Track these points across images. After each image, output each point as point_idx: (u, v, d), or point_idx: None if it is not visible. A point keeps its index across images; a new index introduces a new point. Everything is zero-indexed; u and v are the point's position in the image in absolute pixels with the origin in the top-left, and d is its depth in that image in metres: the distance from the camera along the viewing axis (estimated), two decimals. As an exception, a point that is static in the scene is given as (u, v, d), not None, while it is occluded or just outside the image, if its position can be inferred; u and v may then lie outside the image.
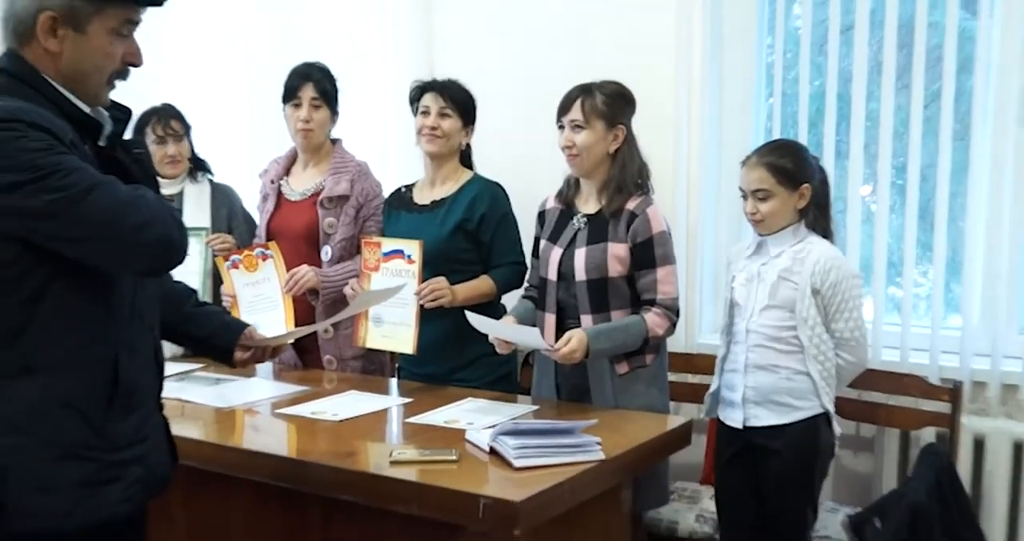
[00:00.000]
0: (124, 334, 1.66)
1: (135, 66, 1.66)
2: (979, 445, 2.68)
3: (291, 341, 2.71)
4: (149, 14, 1.67)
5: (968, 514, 2.43)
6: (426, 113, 2.77)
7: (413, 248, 2.65)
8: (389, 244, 2.72)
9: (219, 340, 2.02)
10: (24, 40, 1.57)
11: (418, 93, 2.82)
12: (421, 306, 2.64)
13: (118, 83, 1.66)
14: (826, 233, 2.46)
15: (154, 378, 1.76)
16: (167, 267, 1.69)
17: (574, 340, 2.36)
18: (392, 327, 2.71)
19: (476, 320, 2.46)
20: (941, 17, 2.77)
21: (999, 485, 2.65)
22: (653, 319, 2.46)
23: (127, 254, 1.58)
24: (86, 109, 1.64)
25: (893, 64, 2.81)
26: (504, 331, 2.49)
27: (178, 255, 1.65)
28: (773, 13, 3.02)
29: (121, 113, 1.71)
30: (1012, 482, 2.64)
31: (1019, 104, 2.68)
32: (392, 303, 2.65)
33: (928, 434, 2.72)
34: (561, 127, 2.53)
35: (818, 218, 2.45)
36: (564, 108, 2.53)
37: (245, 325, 2.07)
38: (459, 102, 2.78)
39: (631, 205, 2.50)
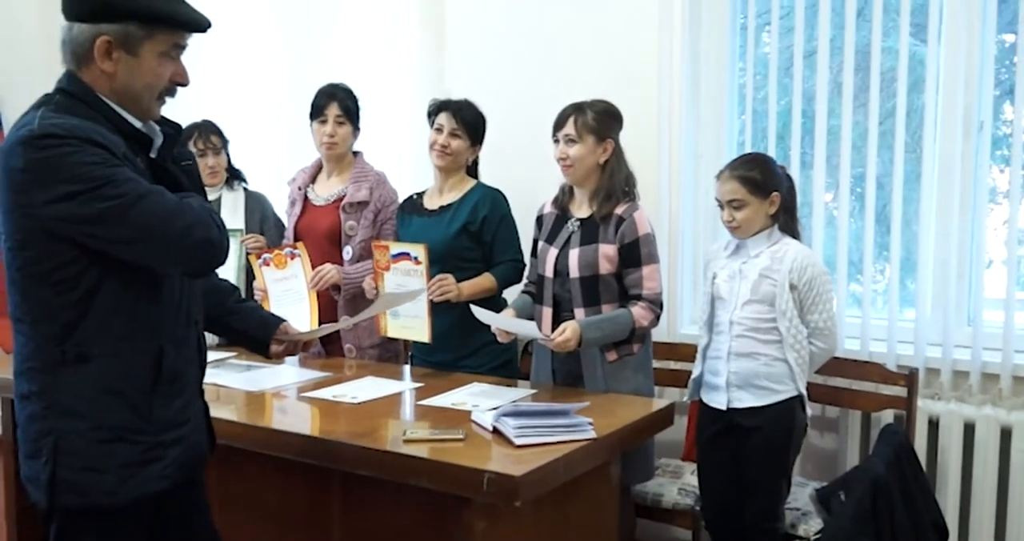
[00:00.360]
0: (170, 328, 1.63)
1: (182, 85, 1.64)
2: (933, 425, 2.62)
3: (319, 336, 2.69)
4: (194, 40, 1.64)
5: (924, 487, 2.37)
6: (439, 131, 2.74)
7: (419, 251, 2.62)
8: (396, 247, 2.69)
9: (257, 334, 1.99)
10: (82, 62, 1.55)
11: (436, 109, 2.78)
12: (431, 300, 2.59)
13: (168, 100, 1.65)
14: (794, 234, 2.43)
15: (196, 367, 1.73)
16: (210, 268, 1.65)
17: (568, 330, 2.34)
18: (408, 319, 2.67)
19: (480, 313, 2.43)
20: (894, 43, 2.73)
21: (952, 461, 2.58)
22: (639, 312, 2.42)
23: (173, 256, 1.55)
24: (137, 124, 1.60)
25: (851, 85, 2.76)
26: (504, 322, 2.47)
27: (219, 257, 1.61)
28: (744, 40, 2.99)
29: (171, 128, 1.68)
30: (963, 458, 2.58)
31: (963, 120, 2.64)
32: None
33: (887, 416, 2.66)
34: (556, 141, 2.51)
35: (788, 221, 2.42)
36: (559, 124, 2.50)
37: (281, 320, 2.03)
38: (470, 124, 2.74)
39: (619, 210, 2.47)
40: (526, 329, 2.44)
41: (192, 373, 1.70)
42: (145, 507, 1.60)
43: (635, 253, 2.45)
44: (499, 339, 2.50)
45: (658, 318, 2.48)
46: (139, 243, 1.50)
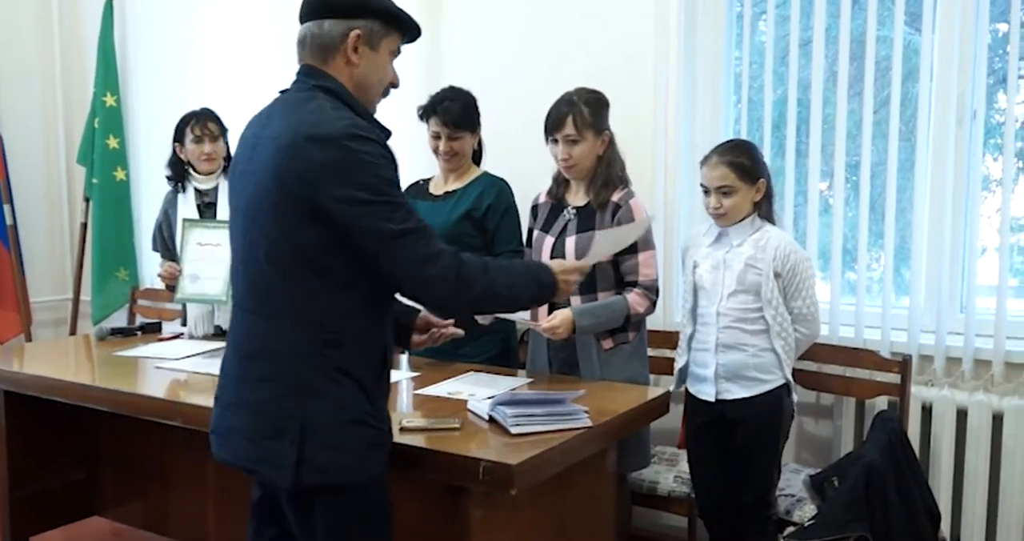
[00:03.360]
0: (388, 324, 1.74)
1: (395, 87, 1.77)
2: (926, 412, 2.63)
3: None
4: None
5: (917, 473, 2.39)
6: (437, 137, 2.73)
7: None
8: None
9: (401, 319, 2.06)
10: (328, 56, 1.66)
11: (424, 115, 2.76)
12: None
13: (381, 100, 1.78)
14: (771, 219, 2.42)
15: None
16: (445, 303, 1.82)
17: (558, 318, 2.34)
18: None
19: None
20: (889, 32, 2.73)
21: (945, 447, 2.60)
22: (634, 299, 2.43)
23: (412, 294, 1.73)
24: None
25: (846, 74, 2.76)
26: None
27: (450, 303, 1.77)
28: (741, 29, 2.99)
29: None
30: (956, 445, 2.60)
31: (958, 108, 2.64)
32: None
33: (881, 402, 2.66)
34: (554, 142, 2.48)
35: (767, 208, 2.42)
36: (556, 125, 2.46)
37: (418, 311, 2.13)
38: (464, 122, 2.72)
39: (615, 197, 2.47)
40: (518, 315, 2.43)
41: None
42: (372, 492, 1.68)
43: None
44: (480, 322, 2.48)
45: (654, 305, 2.48)
46: (392, 272, 1.62)
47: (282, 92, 1.74)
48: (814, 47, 2.80)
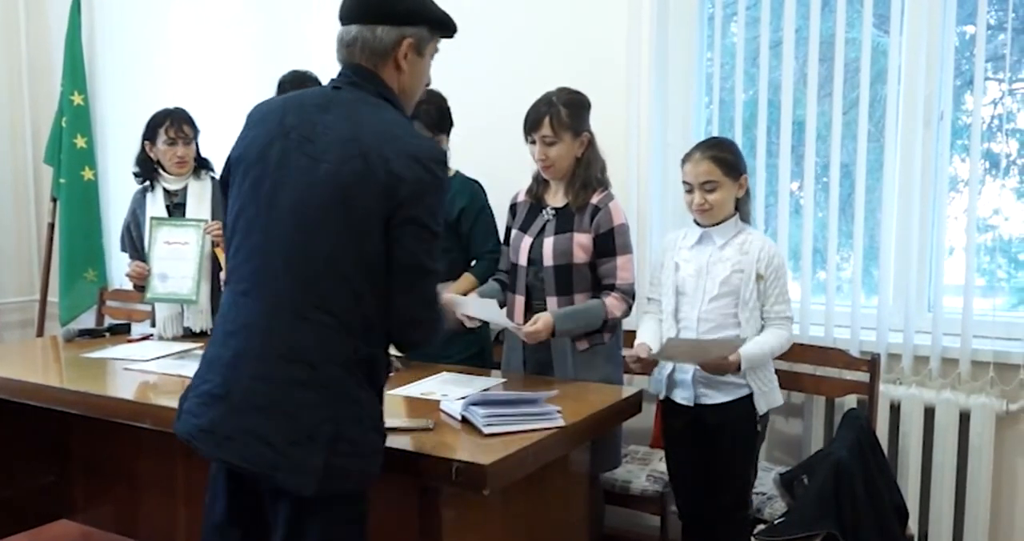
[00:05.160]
0: None
1: (427, 85, 1.80)
2: (895, 410, 2.66)
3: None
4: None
5: (886, 470, 2.41)
6: None
7: None
8: None
9: None
10: (380, 61, 1.68)
11: None
12: None
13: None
14: (748, 220, 2.43)
15: None
16: (410, 345, 1.83)
17: (540, 322, 2.34)
18: None
19: (448, 298, 2.38)
20: (858, 34, 2.75)
21: (913, 445, 2.63)
22: (612, 302, 2.42)
23: (399, 328, 1.66)
24: None
25: (816, 75, 2.79)
26: (476, 309, 2.40)
27: (420, 345, 1.77)
28: (712, 30, 3.01)
29: None
30: (924, 442, 2.63)
31: (925, 110, 2.67)
32: None
33: (850, 400, 2.69)
34: (532, 142, 2.47)
35: (746, 208, 2.42)
36: (534, 126, 2.45)
37: None
38: (442, 125, 2.71)
39: (595, 199, 2.46)
40: (492, 314, 2.42)
41: None
42: (367, 493, 1.69)
43: (610, 243, 2.44)
44: (466, 325, 2.46)
45: (630, 308, 2.48)
46: (397, 298, 1.61)
47: (334, 86, 1.72)
48: (784, 49, 2.82)
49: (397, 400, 2.23)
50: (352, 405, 1.60)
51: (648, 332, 2.45)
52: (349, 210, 1.56)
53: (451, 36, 1.79)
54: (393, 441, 1.86)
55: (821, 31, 2.77)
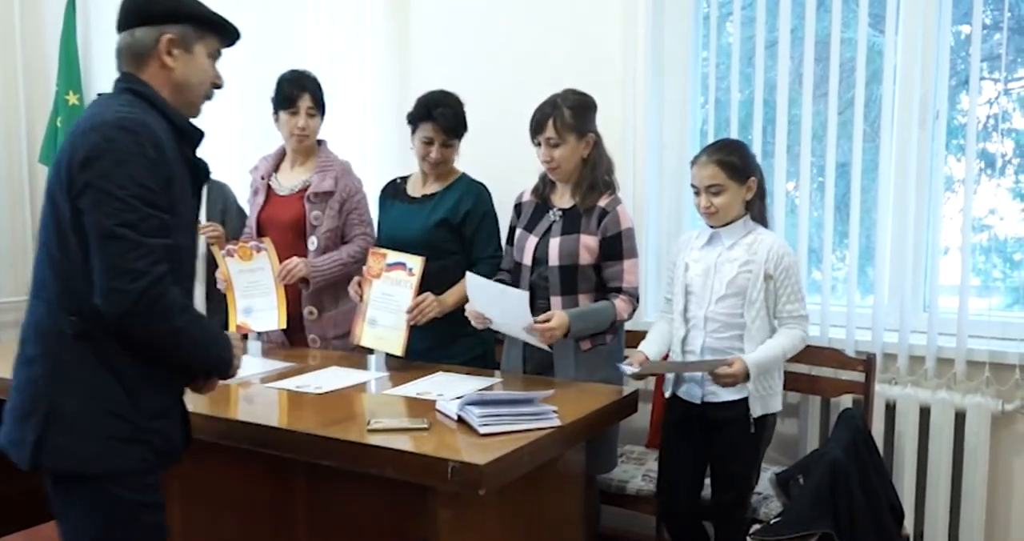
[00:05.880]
0: None
1: (219, 87, 1.82)
2: (890, 410, 2.66)
3: None
4: None
5: (881, 470, 2.40)
6: (429, 143, 2.67)
7: (415, 263, 2.58)
8: (394, 256, 2.63)
9: None
10: (142, 62, 1.71)
11: (418, 117, 2.68)
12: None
13: (206, 103, 1.82)
14: (765, 222, 2.41)
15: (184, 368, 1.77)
16: (111, 316, 1.59)
17: (555, 319, 2.31)
18: (385, 330, 2.61)
19: (473, 282, 2.39)
20: (853, 34, 2.75)
21: (908, 445, 2.63)
22: (620, 304, 2.43)
23: (99, 298, 1.57)
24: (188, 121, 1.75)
25: (812, 75, 2.78)
26: (498, 292, 2.36)
27: (124, 318, 1.57)
28: (708, 30, 3.00)
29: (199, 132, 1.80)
30: (919, 442, 2.63)
31: (920, 110, 2.67)
32: (387, 309, 2.60)
33: (846, 400, 2.69)
34: (538, 144, 2.47)
35: (760, 209, 2.40)
36: (539, 128, 2.45)
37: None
38: (459, 129, 2.68)
39: (602, 202, 2.46)
40: (514, 304, 2.32)
41: (180, 372, 1.76)
42: (123, 486, 1.65)
43: (617, 247, 2.44)
44: (473, 323, 2.44)
45: (635, 311, 2.48)
46: (95, 265, 1.56)
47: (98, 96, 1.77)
48: (780, 48, 2.82)
49: (394, 400, 2.23)
50: (72, 384, 1.61)
51: (652, 341, 2.46)
52: (51, 192, 1.64)
53: (230, 37, 1.82)
54: (389, 441, 1.86)
55: (817, 31, 2.77)
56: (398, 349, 2.57)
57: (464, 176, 2.77)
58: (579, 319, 2.36)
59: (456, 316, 2.51)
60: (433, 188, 2.76)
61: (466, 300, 2.54)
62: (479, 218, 2.69)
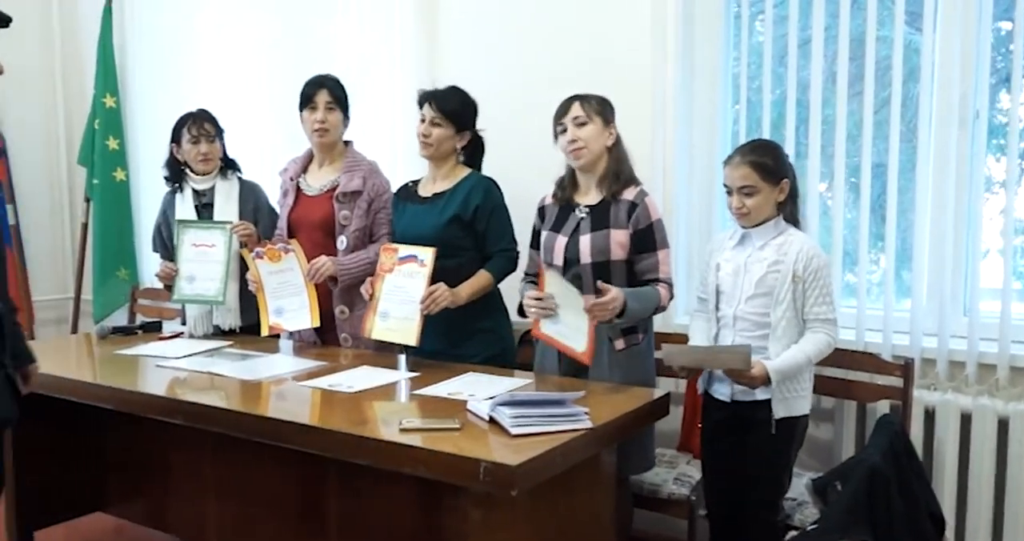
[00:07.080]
0: None
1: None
2: (929, 416, 2.58)
3: None
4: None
5: (921, 477, 2.33)
6: (423, 121, 2.70)
7: (427, 254, 2.58)
8: (405, 250, 2.63)
9: None
10: None
11: (420, 100, 2.74)
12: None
13: None
14: (797, 223, 2.37)
15: None
16: None
17: (613, 291, 2.27)
18: (397, 322, 2.60)
19: (554, 277, 2.40)
20: (889, 32, 2.69)
21: (948, 452, 2.55)
22: (663, 292, 2.43)
23: None
24: None
25: (846, 74, 2.72)
26: (572, 293, 2.36)
27: None
28: (739, 29, 2.95)
29: None
30: (960, 449, 2.55)
31: (959, 109, 2.60)
32: (400, 300, 2.59)
33: (883, 406, 2.62)
34: (563, 130, 2.46)
35: (792, 210, 2.36)
36: (564, 111, 2.47)
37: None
38: (449, 112, 2.68)
39: (630, 195, 2.44)
40: (579, 313, 2.31)
41: None
42: None
43: (649, 238, 2.43)
44: (526, 306, 2.41)
45: (671, 300, 2.47)
46: None
47: None
48: (813, 47, 2.76)
49: (425, 400, 2.21)
50: None
51: (699, 332, 2.44)
52: None
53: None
54: (420, 441, 1.85)
55: (851, 29, 2.71)
56: (412, 339, 2.56)
57: (472, 173, 2.76)
58: (633, 298, 2.33)
59: (472, 311, 2.48)
60: (442, 186, 2.75)
61: (479, 294, 2.59)
62: (489, 212, 2.68)
